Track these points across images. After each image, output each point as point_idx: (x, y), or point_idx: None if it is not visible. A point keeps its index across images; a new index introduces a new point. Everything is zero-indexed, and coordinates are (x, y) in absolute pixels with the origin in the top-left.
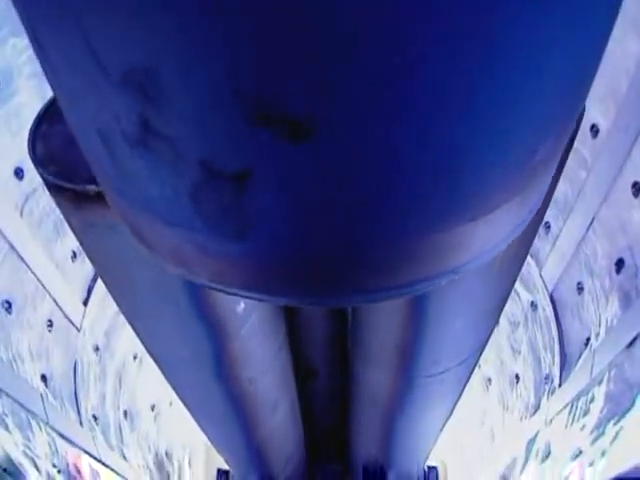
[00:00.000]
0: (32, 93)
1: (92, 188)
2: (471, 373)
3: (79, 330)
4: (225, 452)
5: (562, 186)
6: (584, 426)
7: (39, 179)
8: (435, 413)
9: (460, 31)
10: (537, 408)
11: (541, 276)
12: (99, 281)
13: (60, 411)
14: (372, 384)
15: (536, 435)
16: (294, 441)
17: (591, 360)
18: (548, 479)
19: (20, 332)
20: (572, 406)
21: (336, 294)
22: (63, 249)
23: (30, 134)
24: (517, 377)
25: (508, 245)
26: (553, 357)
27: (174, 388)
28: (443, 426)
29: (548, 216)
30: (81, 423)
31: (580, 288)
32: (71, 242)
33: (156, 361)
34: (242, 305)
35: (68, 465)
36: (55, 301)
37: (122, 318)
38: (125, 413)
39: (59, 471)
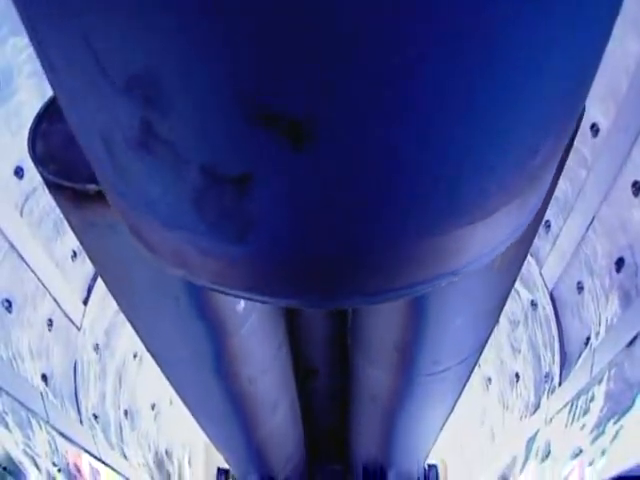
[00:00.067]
0: (32, 92)
1: (92, 187)
2: (471, 372)
3: (79, 329)
4: (225, 451)
5: (562, 185)
6: (584, 425)
7: (39, 178)
8: (435, 412)
9: (460, 32)
10: (537, 407)
11: (541, 275)
12: (99, 280)
13: (60, 410)
14: (372, 383)
15: (536, 434)
16: (294, 440)
17: (591, 359)
18: (548, 478)
19: (20, 331)
20: (572, 405)
21: (336, 296)
22: (63, 248)
23: (30, 133)
24: (517, 376)
25: (508, 245)
26: (553, 356)
27: (174, 387)
28: (443, 425)
29: (548, 215)
30: (81, 422)
31: (580, 287)
32: (71, 241)
33: (156, 360)
34: (242, 304)
35: (68, 464)
36: (55, 300)
37: (122, 317)
38: (125, 412)
39: (59, 470)
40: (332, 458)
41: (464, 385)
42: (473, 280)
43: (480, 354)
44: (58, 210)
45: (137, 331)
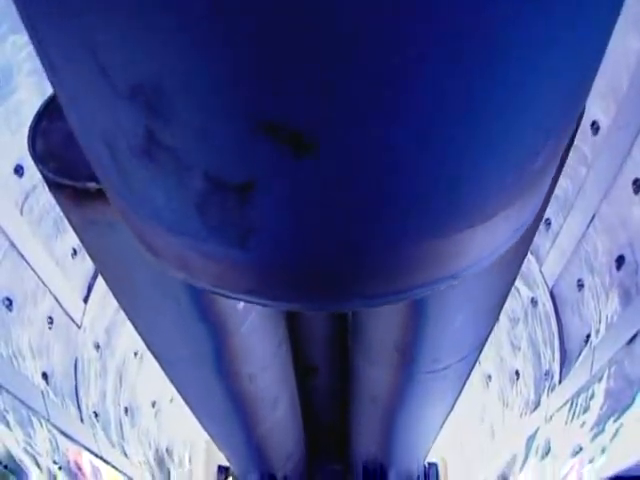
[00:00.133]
0: (32, 90)
1: (92, 185)
2: (471, 370)
3: (79, 327)
4: (225, 449)
5: (563, 183)
6: (584, 423)
7: (39, 176)
8: (435, 410)
9: (460, 37)
10: (537, 405)
11: (541, 272)
12: (99, 278)
13: (61, 408)
14: (372, 381)
15: (536, 432)
16: (294, 438)
17: (591, 357)
18: (548, 476)
19: (21, 329)
20: (572, 403)
21: (336, 299)
22: (63, 246)
23: (30, 131)
24: (517, 374)
25: (507, 247)
26: (553, 354)
27: (175, 385)
28: (443, 423)
29: (548, 213)
30: (82, 420)
31: (580, 285)
32: (71, 239)
33: (156, 358)
34: (242, 303)
35: (69, 462)
36: (55, 298)
37: (122, 315)
38: (126, 410)
39: (60, 468)
40: (332, 456)
41: (464, 383)
42: (473, 278)
43: (480, 352)
44: (58, 208)
45: (137, 329)
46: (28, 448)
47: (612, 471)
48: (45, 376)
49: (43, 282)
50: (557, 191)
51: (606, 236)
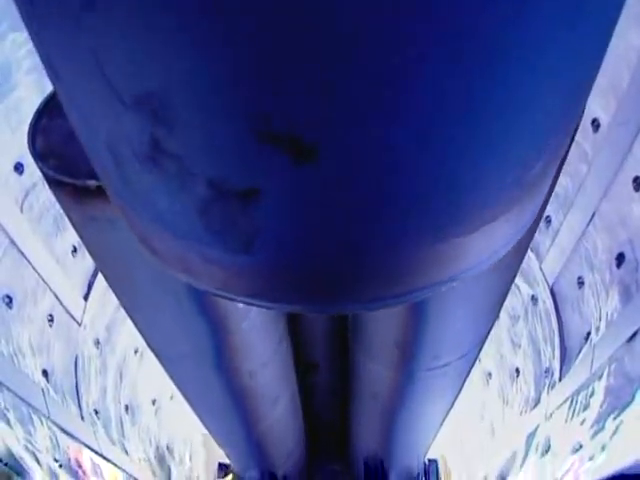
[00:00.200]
0: (31, 87)
1: (92, 182)
2: (471, 367)
3: (80, 324)
4: (226, 446)
5: (563, 180)
6: (584, 420)
7: (39, 174)
8: (435, 407)
9: (459, 37)
10: (537, 402)
11: (541, 270)
12: (100, 276)
13: (61, 405)
14: (372, 378)
15: (536, 429)
16: (294, 435)
17: (591, 354)
18: (548, 473)
19: (21, 327)
20: (572, 400)
21: (337, 302)
22: (63, 244)
23: (30, 129)
24: (517, 371)
25: (507, 250)
26: (553, 351)
27: (175, 382)
28: (443, 420)
29: (549, 210)
30: (82, 417)
31: (580, 282)
32: (71, 237)
33: (156, 355)
34: None
35: (70, 459)
36: (56, 296)
37: (123, 313)
38: (126, 407)
39: (60, 465)
40: (332, 453)
41: (464, 380)
42: (473, 277)
43: (480, 349)
44: (58, 206)
45: (137, 326)
46: (29, 446)
47: (612, 468)
48: (45, 374)
49: (43, 280)
50: (557, 189)
51: (606, 233)
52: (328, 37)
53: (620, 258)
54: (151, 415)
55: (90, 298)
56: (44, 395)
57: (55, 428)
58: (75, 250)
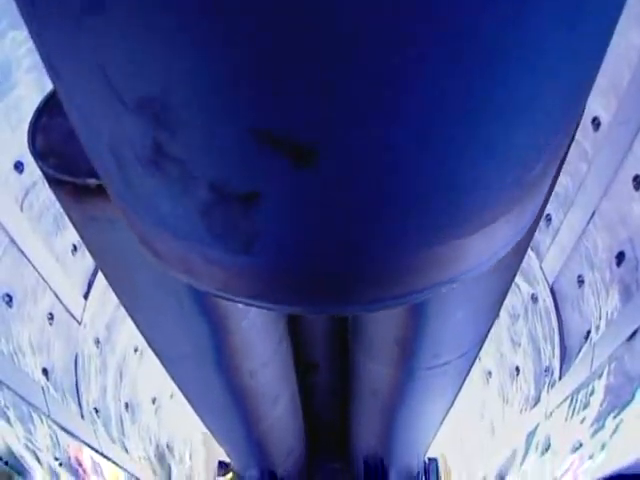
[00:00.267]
0: (31, 86)
1: (92, 181)
2: (471, 366)
3: (80, 323)
4: (226, 444)
5: (563, 179)
6: (584, 419)
7: (39, 173)
8: (435, 406)
9: (459, 39)
10: (537, 401)
11: (541, 268)
12: (100, 274)
13: (61, 404)
14: (372, 377)
15: (536, 428)
16: (294, 434)
17: (591, 353)
18: (548, 471)
19: (21, 325)
20: (572, 399)
21: (337, 304)
22: (63, 242)
23: (30, 127)
24: (517, 370)
25: (507, 251)
26: (553, 350)
27: (175, 381)
28: (443, 419)
29: (549, 209)
30: (82, 416)
31: (581, 281)
32: (71, 235)
33: (156, 354)
34: None
35: (70, 458)
36: (56, 294)
37: (123, 311)
38: (126, 405)
39: (61, 464)
40: (332, 452)
41: (464, 379)
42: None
43: (480, 348)
44: (58, 204)
45: (137, 325)
46: (29, 444)
47: (612, 467)
48: (45, 372)
49: (43, 278)
50: (557, 187)
51: (606, 232)
52: (327, 38)
53: (620, 257)
54: (151, 414)
55: (90, 297)
56: (44, 394)
57: (55, 427)
58: (75, 249)
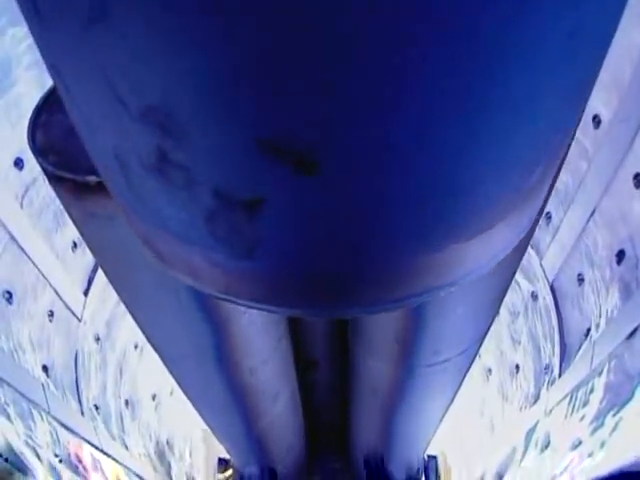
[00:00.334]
0: (31, 83)
1: (92, 178)
2: (471, 363)
3: (80, 320)
4: (226, 441)
5: (563, 177)
6: (584, 417)
7: (39, 169)
8: (435, 403)
9: (459, 40)
10: (537, 398)
11: (542, 266)
12: (100, 271)
13: (61, 401)
14: (372, 374)
15: (536, 425)
16: (294, 431)
17: (591, 351)
18: (547, 468)
19: (21, 322)
20: (572, 397)
21: (337, 307)
22: (63, 239)
23: (30, 124)
24: (517, 367)
25: (506, 254)
26: (553, 347)
27: (175, 378)
28: (443, 416)
29: (549, 207)
30: (82, 413)
31: (581, 279)
32: (71, 232)
33: (156, 350)
34: None
35: (70, 454)
36: (56, 291)
37: (123, 308)
38: (126, 402)
39: (61, 460)
40: (332, 449)
41: (464, 376)
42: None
43: (480, 345)
44: (58, 201)
45: (138, 322)
46: (29, 441)
47: (611, 464)
48: (45, 369)
49: (43, 275)
50: (558, 185)
51: (606, 230)
52: (327, 40)
53: (620, 255)
54: (151, 410)
55: (90, 294)
56: (44, 390)
57: (55, 423)
58: (75, 246)
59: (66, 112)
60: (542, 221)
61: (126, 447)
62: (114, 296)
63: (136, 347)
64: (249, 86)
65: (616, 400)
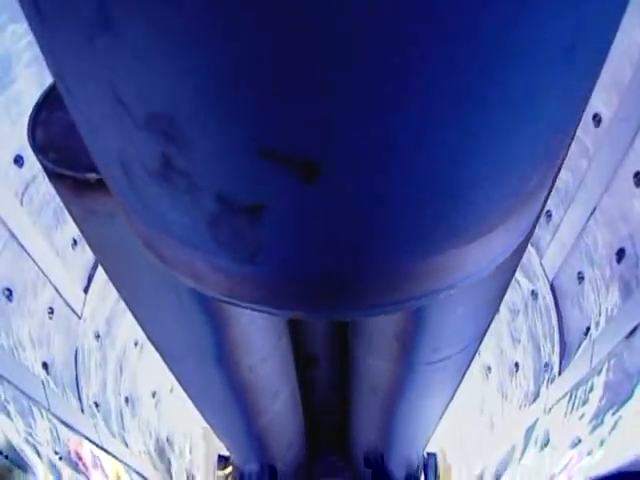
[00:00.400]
0: (31, 80)
1: (92, 176)
2: (471, 361)
3: (80, 317)
4: (226, 439)
5: (564, 175)
6: (583, 415)
7: (39, 166)
8: (435, 401)
9: (458, 42)
10: (536, 396)
11: (542, 265)
12: (100, 269)
13: (61, 398)
14: (372, 372)
15: (535, 423)
16: (294, 428)
17: (591, 349)
18: (547, 466)
19: (21, 320)
20: (571, 395)
21: (337, 309)
22: (63, 237)
23: (30, 121)
24: (517, 365)
25: (505, 257)
26: (553, 346)
27: (175, 375)
28: (443, 414)
29: (549, 205)
30: (82, 410)
31: (581, 277)
32: (71, 229)
33: (156, 348)
34: None
35: (70, 452)
36: (56, 289)
37: (123, 305)
38: (126, 400)
39: (61, 458)
40: (332, 446)
41: (464, 374)
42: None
43: (480, 343)
44: (58, 199)
45: (137, 319)
46: (29, 438)
47: (610, 463)
48: (45, 366)
49: (43, 272)
50: (558, 183)
51: (607, 229)
52: (327, 41)
53: (620, 253)
54: (151, 408)
55: (90, 291)
56: (44, 388)
57: (55, 421)
58: (75, 243)
59: (66, 109)
60: (542, 219)
61: (126, 444)
62: (114, 293)
63: (136, 344)
64: (249, 87)
65: (615, 399)
